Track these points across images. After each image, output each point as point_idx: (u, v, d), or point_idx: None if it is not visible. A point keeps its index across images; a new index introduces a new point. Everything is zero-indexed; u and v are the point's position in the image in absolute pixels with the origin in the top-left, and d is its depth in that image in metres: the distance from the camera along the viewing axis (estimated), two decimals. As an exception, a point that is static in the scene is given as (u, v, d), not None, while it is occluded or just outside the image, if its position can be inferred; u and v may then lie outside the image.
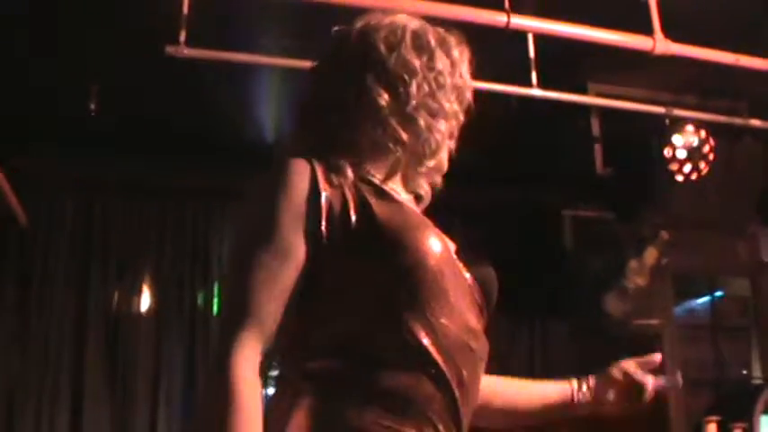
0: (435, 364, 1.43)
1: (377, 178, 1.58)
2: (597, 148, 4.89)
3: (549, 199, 5.48)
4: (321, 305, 1.49)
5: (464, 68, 1.68)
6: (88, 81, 4.69)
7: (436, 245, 1.48)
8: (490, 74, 4.24)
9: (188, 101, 4.86)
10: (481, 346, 1.54)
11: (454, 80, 1.64)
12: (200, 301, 5.51)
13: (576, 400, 1.84)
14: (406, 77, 1.60)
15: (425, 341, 1.43)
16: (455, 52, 1.66)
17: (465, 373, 1.47)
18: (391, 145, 1.60)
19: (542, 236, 5.31)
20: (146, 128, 5.06)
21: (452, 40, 1.67)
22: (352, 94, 1.61)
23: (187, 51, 3.71)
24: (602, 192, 5.24)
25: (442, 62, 1.63)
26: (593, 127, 4.88)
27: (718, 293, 7.15)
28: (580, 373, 1.85)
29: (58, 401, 5.12)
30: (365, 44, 1.64)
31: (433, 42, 1.64)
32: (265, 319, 1.43)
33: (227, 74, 4.46)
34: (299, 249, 1.46)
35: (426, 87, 1.60)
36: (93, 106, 4.77)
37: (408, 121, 1.59)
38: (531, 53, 4.14)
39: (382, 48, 1.62)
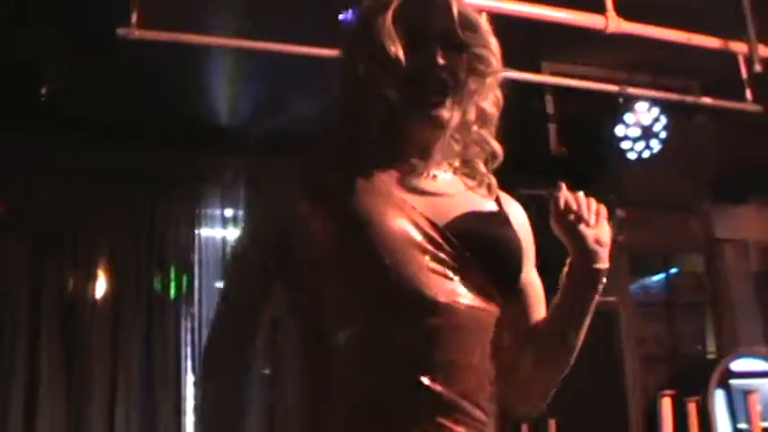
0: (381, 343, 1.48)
1: (370, 164, 1.58)
2: (551, 127, 4.91)
3: (502, 178, 5.44)
4: (301, 295, 1.58)
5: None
6: (41, 62, 4.63)
7: (393, 222, 1.49)
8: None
9: (141, 83, 4.81)
10: (444, 319, 1.49)
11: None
12: (156, 285, 5.47)
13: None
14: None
15: (372, 322, 1.48)
16: None
17: (431, 348, 1.47)
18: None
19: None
20: (98, 111, 5.00)
21: None
22: (344, 87, 1.64)
23: (138, 33, 3.67)
24: (557, 170, 5.26)
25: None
26: (548, 106, 4.90)
27: (673, 270, 7.24)
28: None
29: (12, 389, 5.03)
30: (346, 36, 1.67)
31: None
32: (239, 302, 1.62)
33: (179, 56, 4.42)
34: (273, 238, 1.57)
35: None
36: (44, 89, 4.70)
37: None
38: (485, 32, 4.13)
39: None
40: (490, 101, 1.67)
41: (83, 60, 4.56)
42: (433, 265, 1.51)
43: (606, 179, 5.26)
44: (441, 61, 1.56)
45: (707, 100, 5.01)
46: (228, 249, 5.64)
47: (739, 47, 4.62)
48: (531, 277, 1.71)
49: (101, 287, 5.43)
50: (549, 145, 4.91)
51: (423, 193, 1.59)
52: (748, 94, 4.82)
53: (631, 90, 4.88)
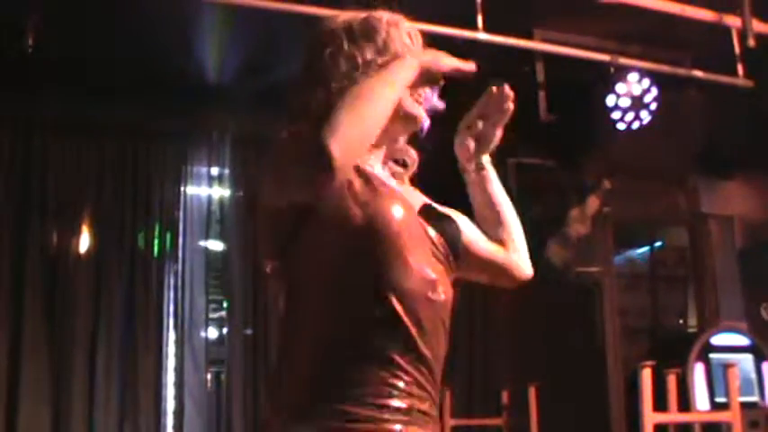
0: (396, 314, 1.61)
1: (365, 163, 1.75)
2: (541, 94, 4.88)
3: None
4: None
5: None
6: (25, 15, 4.56)
7: (397, 211, 1.65)
8: (435, 16, 4.21)
9: (128, 39, 4.75)
10: (439, 296, 1.69)
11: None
12: (140, 242, 5.45)
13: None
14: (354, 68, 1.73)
15: (389, 295, 1.62)
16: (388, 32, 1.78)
17: (424, 319, 1.64)
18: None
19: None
20: (86, 65, 4.94)
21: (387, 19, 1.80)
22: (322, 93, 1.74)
23: (127, -15, 3.63)
24: (546, 139, 5.24)
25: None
26: (538, 73, 4.87)
27: (658, 243, 7.26)
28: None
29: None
30: (316, 47, 1.78)
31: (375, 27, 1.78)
32: None
33: (168, 11, 4.37)
34: None
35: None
36: (30, 42, 4.64)
37: None
38: (478, -4, 4.10)
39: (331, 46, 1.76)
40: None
41: (68, 14, 4.50)
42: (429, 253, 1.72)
43: (595, 149, 5.25)
44: None
45: (698, 73, 4.99)
46: (215, 206, 5.67)
47: (733, 20, 4.60)
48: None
49: (84, 243, 5.40)
50: (539, 113, 4.87)
51: None
52: (740, 68, 4.80)
53: (623, 60, 4.86)
